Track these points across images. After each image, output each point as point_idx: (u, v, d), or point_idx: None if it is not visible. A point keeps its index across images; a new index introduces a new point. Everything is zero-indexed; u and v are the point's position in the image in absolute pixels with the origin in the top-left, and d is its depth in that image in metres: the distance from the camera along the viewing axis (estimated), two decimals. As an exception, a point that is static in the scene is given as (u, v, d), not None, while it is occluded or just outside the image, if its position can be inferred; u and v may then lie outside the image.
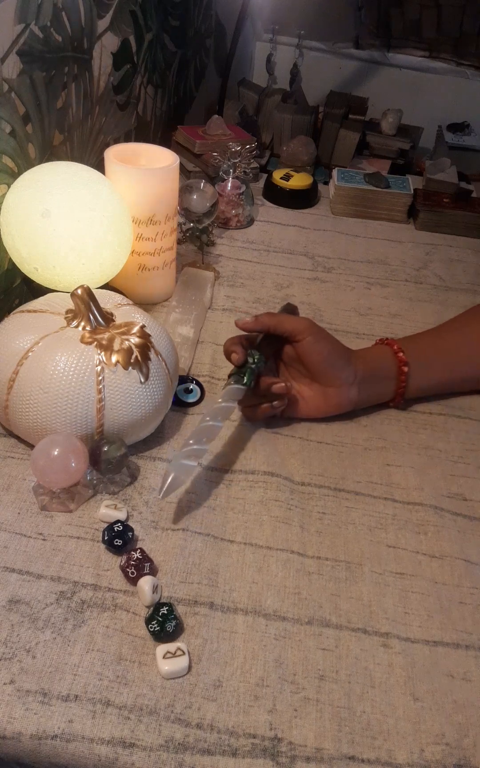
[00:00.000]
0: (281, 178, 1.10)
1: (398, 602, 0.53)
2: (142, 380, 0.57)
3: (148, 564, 0.51)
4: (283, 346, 0.67)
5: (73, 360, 0.55)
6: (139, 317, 0.61)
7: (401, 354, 0.67)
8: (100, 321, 0.58)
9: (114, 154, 0.73)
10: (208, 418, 0.58)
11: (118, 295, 0.66)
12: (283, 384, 0.62)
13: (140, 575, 0.51)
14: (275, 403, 0.64)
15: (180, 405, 0.68)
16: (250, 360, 0.62)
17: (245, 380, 0.61)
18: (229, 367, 0.65)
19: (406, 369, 0.67)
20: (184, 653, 0.47)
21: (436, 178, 1.11)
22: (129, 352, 0.57)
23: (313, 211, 1.11)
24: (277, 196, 1.11)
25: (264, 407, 0.64)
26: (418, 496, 0.62)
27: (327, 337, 0.65)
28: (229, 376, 0.63)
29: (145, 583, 0.50)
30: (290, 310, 0.76)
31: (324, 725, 0.45)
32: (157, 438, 0.64)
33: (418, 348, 0.69)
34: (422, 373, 0.68)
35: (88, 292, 0.57)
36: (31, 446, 0.59)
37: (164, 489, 0.54)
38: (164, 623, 0.47)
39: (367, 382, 0.66)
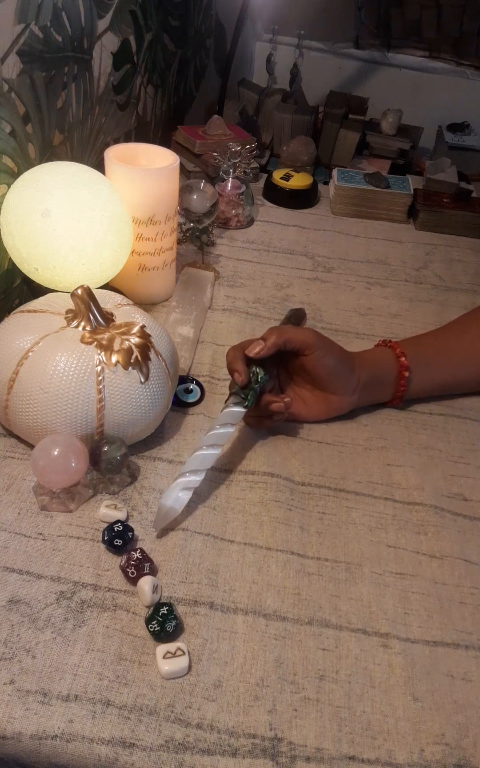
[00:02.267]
0: (281, 178, 1.10)
1: (398, 602, 0.53)
2: (142, 380, 0.57)
3: (148, 564, 0.51)
4: (289, 358, 0.65)
5: (73, 360, 0.55)
6: (139, 317, 0.61)
7: (403, 359, 0.67)
8: (100, 321, 0.58)
9: (114, 154, 0.73)
10: (205, 446, 0.58)
11: (118, 295, 0.66)
12: (282, 404, 0.61)
13: (140, 575, 0.51)
14: (274, 417, 0.63)
15: (180, 405, 0.68)
16: (254, 379, 0.61)
17: (247, 402, 0.61)
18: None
19: (406, 374, 0.67)
20: (184, 653, 0.47)
21: (436, 178, 1.11)
22: (129, 352, 0.57)
23: (313, 211, 1.11)
24: (277, 196, 1.11)
25: (264, 421, 0.64)
26: (418, 496, 0.62)
27: (334, 349, 0.65)
28: (231, 393, 0.62)
29: (145, 583, 0.50)
30: (299, 317, 0.75)
31: (324, 725, 0.45)
32: (157, 438, 0.64)
33: (420, 351, 0.69)
34: (423, 376, 0.69)
35: (88, 292, 0.57)
36: (31, 446, 0.59)
37: (158, 521, 0.55)
38: (164, 623, 0.47)
39: (368, 387, 0.67)
